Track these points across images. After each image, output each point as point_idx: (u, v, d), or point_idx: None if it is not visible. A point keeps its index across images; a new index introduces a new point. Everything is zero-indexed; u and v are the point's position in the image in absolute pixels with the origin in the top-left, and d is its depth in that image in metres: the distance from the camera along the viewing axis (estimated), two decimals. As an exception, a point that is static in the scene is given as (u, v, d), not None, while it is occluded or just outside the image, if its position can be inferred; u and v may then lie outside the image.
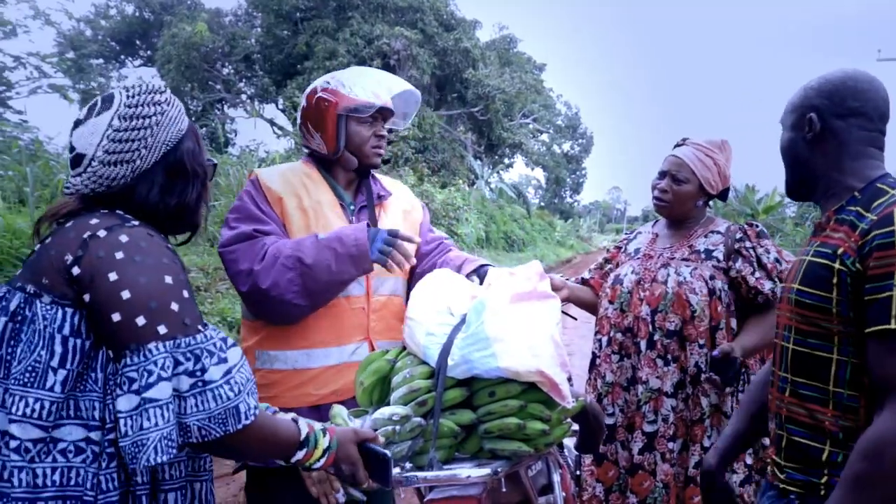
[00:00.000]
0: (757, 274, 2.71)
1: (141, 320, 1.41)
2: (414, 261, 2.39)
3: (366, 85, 2.49)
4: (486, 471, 1.79)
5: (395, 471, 1.79)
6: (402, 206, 2.67)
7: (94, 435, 1.46)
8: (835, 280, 1.65)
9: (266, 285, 2.22)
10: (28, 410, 1.40)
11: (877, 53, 26.94)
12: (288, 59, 25.89)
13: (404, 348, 2.01)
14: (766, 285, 2.68)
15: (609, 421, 2.81)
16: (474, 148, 30.42)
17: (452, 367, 1.82)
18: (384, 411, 1.83)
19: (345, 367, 2.33)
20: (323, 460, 1.63)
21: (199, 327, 1.48)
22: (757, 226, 2.83)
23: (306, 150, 2.61)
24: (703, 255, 2.80)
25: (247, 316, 2.46)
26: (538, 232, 34.61)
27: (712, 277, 2.74)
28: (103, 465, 1.46)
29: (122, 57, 33.15)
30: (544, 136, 48.47)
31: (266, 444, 1.56)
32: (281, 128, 26.97)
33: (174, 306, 1.46)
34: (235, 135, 29.73)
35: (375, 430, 1.82)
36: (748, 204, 21.65)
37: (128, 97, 1.59)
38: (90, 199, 1.59)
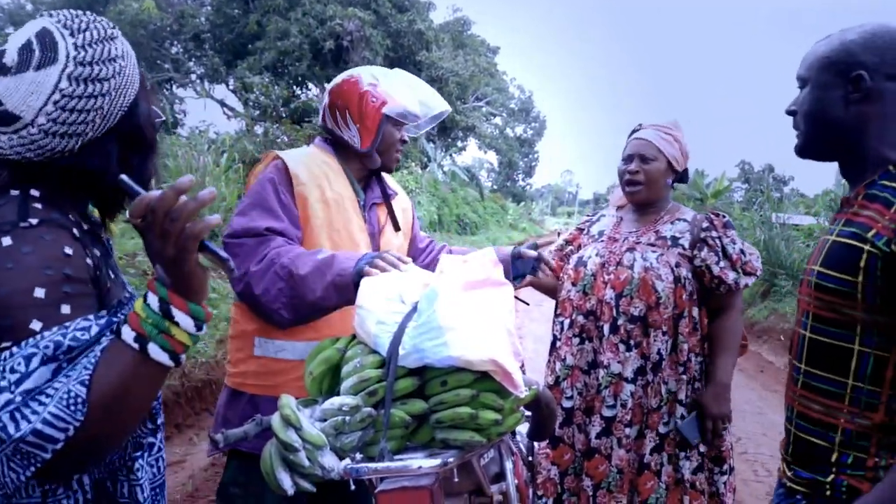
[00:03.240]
0: (721, 264, 2.73)
1: None
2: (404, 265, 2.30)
3: (412, 94, 2.57)
4: (437, 461, 1.76)
5: (345, 462, 1.76)
6: (401, 206, 2.73)
7: None
8: (862, 263, 1.50)
9: (258, 291, 2.19)
10: None
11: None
12: (238, 38, 25.50)
13: (354, 337, 1.97)
14: (730, 275, 2.71)
15: (567, 404, 2.82)
16: (427, 131, 30.33)
17: (404, 356, 1.79)
18: (334, 401, 1.79)
19: None
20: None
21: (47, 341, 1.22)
22: (723, 216, 2.85)
23: (326, 137, 2.62)
24: (669, 242, 2.81)
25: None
26: (491, 215, 34.76)
27: (678, 265, 2.76)
28: None
29: (66, 33, 32.25)
30: (497, 120, 48.53)
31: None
32: (232, 108, 26.54)
33: (35, 325, 1.21)
34: (185, 115, 29.20)
35: (325, 420, 1.78)
36: (697, 188, 22.00)
37: (76, 48, 1.30)
38: (11, 166, 1.34)
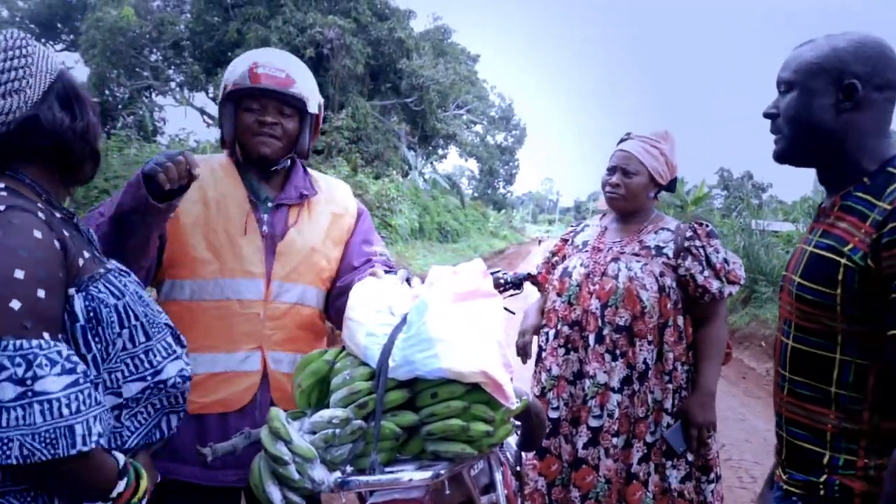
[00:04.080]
0: (705, 273, 2.73)
1: None
2: (197, 172, 1.97)
3: (244, 66, 2.26)
4: (428, 473, 1.75)
5: (336, 474, 1.75)
6: (331, 209, 2.43)
7: None
8: (840, 276, 1.51)
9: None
10: None
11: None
12: (218, 46, 25.33)
13: (343, 349, 1.96)
14: (714, 284, 2.72)
15: (553, 415, 2.82)
16: (408, 139, 30.32)
17: (394, 368, 1.78)
18: (324, 414, 1.79)
19: (232, 375, 2.19)
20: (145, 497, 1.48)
21: (45, 334, 1.29)
22: (707, 225, 2.85)
23: None
24: (653, 252, 2.81)
25: None
26: (472, 223, 34.79)
27: (662, 274, 2.76)
28: None
29: (43, 41, 31.81)
30: (478, 128, 48.69)
31: (97, 475, 1.36)
32: (211, 116, 26.41)
33: (14, 304, 1.26)
34: (164, 123, 28.99)
35: (314, 432, 1.77)
36: (678, 195, 22.17)
37: None
38: None
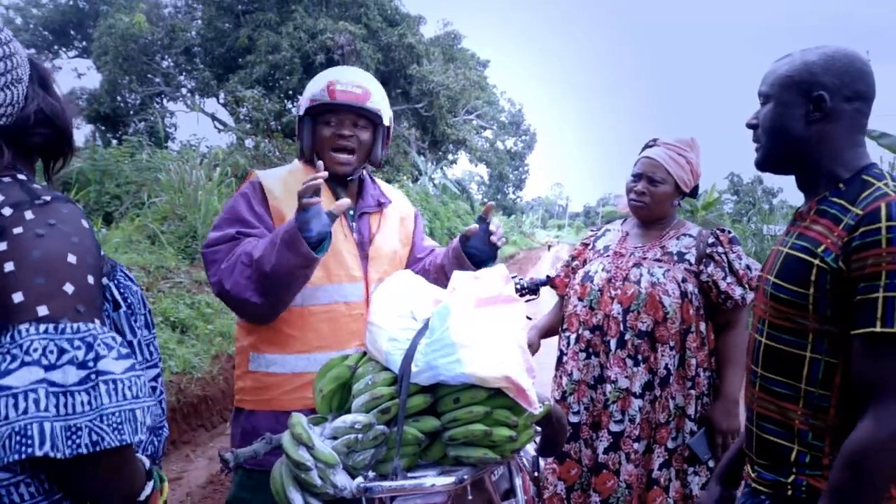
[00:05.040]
0: (728, 279, 2.72)
1: (18, 297, 1.18)
2: (347, 202, 2.23)
3: (323, 82, 2.43)
4: (451, 479, 1.75)
5: (358, 480, 1.75)
6: (399, 214, 2.65)
7: None
8: (813, 277, 1.59)
9: (228, 286, 2.19)
10: None
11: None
12: (229, 52, 25.42)
13: (364, 354, 1.96)
14: (737, 291, 2.71)
15: (574, 419, 2.81)
16: (418, 144, 30.33)
17: (416, 373, 1.78)
18: (346, 419, 1.78)
19: None
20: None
21: (96, 319, 1.25)
22: (729, 232, 2.84)
23: None
24: (675, 258, 2.80)
25: (239, 319, 2.44)
26: (482, 228, 34.66)
27: (684, 280, 2.75)
28: None
29: (56, 47, 32.14)
30: (488, 133, 48.56)
31: (136, 472, 1.30)
32: (223, 122, 26.50)
33: (68, 287, 1.22)
34: (175, 129, 29.13)
35: (336, 438, 1.77)
36: (687, 201, 22.05)
37: None
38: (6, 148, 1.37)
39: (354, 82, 2.44)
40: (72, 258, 1.25)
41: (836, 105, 1.66)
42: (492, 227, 2.47)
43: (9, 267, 1.19)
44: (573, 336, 2.88)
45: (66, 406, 1.14)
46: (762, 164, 1.82)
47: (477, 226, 2.47)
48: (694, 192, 2.95)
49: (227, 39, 25.55)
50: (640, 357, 2.72)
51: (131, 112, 26.31)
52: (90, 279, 1.28)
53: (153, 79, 27.17)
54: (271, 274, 2.14)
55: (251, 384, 2.41)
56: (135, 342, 1.48)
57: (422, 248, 2.71)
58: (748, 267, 2.75)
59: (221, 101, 26.68)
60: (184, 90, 28.65)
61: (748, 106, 1.95)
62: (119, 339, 1.27)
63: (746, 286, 2.72)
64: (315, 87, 2.44)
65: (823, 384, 1.61)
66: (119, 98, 26.49)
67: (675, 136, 2.91)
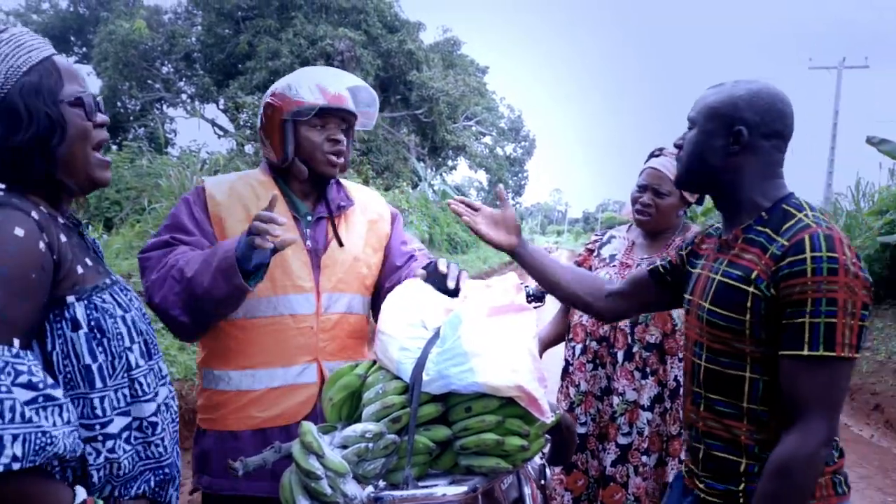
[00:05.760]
0: None
1: None
2: (279, 233, 1.95)
3: (311, 84, 2.29)
4: (463, 488, 1.74)
5: (368, 489, 1.74)
6: (367, 217, 2.48)
7: None
8: (748, 304, 1.68)
9: (157, 300, 2.08)
10: None
11: (808, 62, 28.14)
12: (229, 58, 25.49)
13: (374, 363, 1.95)
14: None
15: (581, 430, 2.80)
16: (418, 150, 30.37)
17: (428, 382, 1.77)
18: (356, 428, 1.77)
19: (290, 389, 2.22)
20: None
21: (16, 341, 1.23)
22: None
23: (265, 159, 2.42)
24: None
25: None
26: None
27: None
28: None
29: (56, 54, 32.18)
30: (487, 139, 48.68)
31: (23, 498, 1.23)
32: (222, 128, 26.52)
33: None
34: (175, 135, 29.16)
35: (345, 447, 1.76)
36: (688, 207, 22.01)
37: None
38: None
39: (343, 83, 2.35)
40: None
41: (754, 140, 1.75)
42: (441, 268, 2.18)
43: None
44: (579, 346, 2.86)
45: None
46: (679, 182, 1.95)
47: (423, 272, 2.22)
48: (700, 199, 2.84)
49: (227, 45, 25.60)
50: (648, 370, 2.71)
51: (131, 118, 26.35)
52: (12, 297, 1.25)
53: (153, 85, 27.23)
54: (201, 297, 2.02)
55: (204, 402, 2.31)
56: (94, 366, 1.42)
57: (401, 253, 2.48)
58: None
59: (221, 106, 26.75)
60: (184, 96, 28.70)
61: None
62: (35, 367, 1.24)
63: None
64: (299, 89, 2.28)
65: (764, 401, 1.70)
66: (119, 104, 26.53)
67: (665, 142, 2.84)
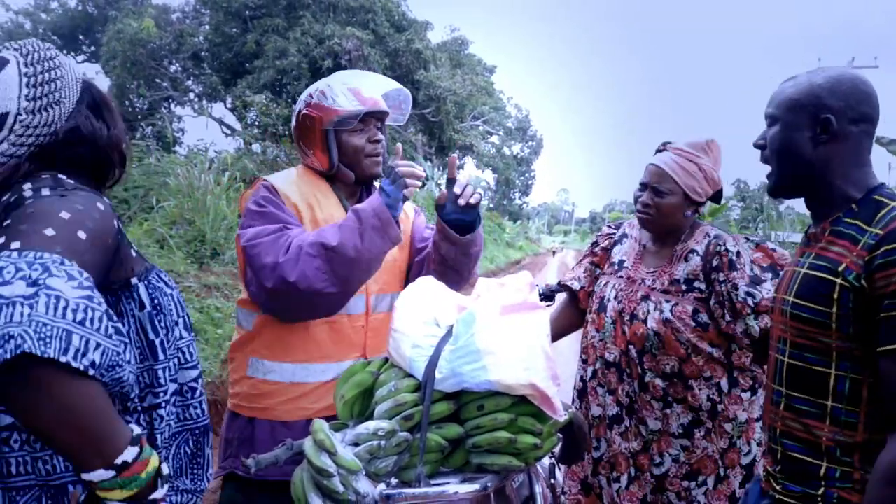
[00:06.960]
0: (727, 317, 2.51)
1: (1, 240, 1.23)
2: (421, 173, 2.26)
3: (347, 92, 2.37)
4: (475, 486, 1.74)
5: (380, 487, 1.74)
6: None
7: None
8: (835, 295, 1.61)
9: (293, 278, 2.11)
10: None
11: (816, 63, 28.19)
12: (237, 57, 25.47)
13: (387, 360, 1.95)
14: (738, 329, 2.49)
15: (595, 454, 2.72)
16: (425, 149, 30.34)
17: (441, 380, 1.77)
18: (368, 426, 1.77)
19: None
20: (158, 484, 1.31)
21: (74, 262, 1.21)
22: (728, 252, 2.57)
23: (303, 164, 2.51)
24: (683, 287, 2.61)
25: (241, 322, 2.38)
26: (488, 233, 34.69)
27: (696, 311, 2.57)
28: None
29: (65, 52, 32.07)
30: (494, 138, 48.67)
31: (79, 402, 1.14)
32: (230, 127, 26.56)
33: (48, 231, 1.25)
34: (183, 134, 29.21)
35: (357, 444, 1.76)
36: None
37: (20, 53, 1.52)
38: (28, 162, 1.48)
39: (376, 87, 2.45)
40: (64, 214, 1.31)
41: (843, 127, 1.69)
42: (456, 189, 2.32)
43: (6, 221, 1.30)
44: (590, 370, 2.75)
45: (4, 316, 1.09)
46: (775, 191, 1.84)
47: (446, 191, 2.35)
48: (716, 197, 2.71)
49: (235, 44, 25.60)
50: (671, 399, 2.56)
51: (139, 116, 26.36)
52: (81, 235, 1.31)
53: (161, 83, 27.25)
54: (355, 260, 2.13)
55: (247, 390, 2.37)
56: (157, 341, 1.55)
57: (423, 238, 2.59)
58: (748, 293, 2.47)
59: (229, 105, 26.74)
60: (192, 95, 28.74)
61: (757, 113, 1.96)
62: (85, 273, 1.22)
63: (750, 316, 2.45)
64: (335, 96, 2.36)
65: (850, 400, 1.62)
66: (127, 102, 26.56)
67: (688, 139, 2.68)
